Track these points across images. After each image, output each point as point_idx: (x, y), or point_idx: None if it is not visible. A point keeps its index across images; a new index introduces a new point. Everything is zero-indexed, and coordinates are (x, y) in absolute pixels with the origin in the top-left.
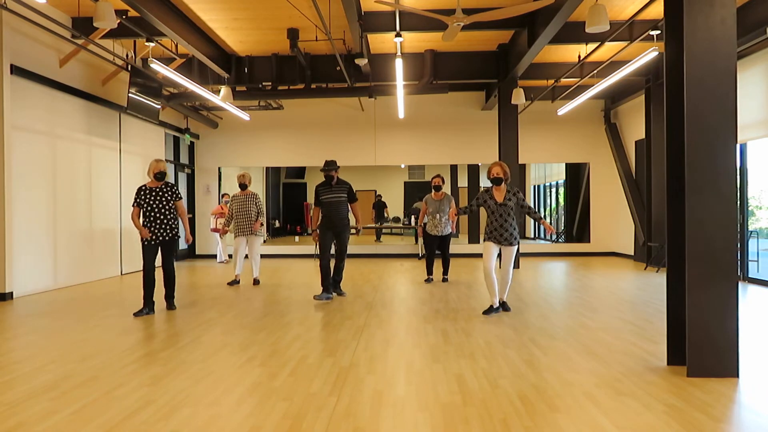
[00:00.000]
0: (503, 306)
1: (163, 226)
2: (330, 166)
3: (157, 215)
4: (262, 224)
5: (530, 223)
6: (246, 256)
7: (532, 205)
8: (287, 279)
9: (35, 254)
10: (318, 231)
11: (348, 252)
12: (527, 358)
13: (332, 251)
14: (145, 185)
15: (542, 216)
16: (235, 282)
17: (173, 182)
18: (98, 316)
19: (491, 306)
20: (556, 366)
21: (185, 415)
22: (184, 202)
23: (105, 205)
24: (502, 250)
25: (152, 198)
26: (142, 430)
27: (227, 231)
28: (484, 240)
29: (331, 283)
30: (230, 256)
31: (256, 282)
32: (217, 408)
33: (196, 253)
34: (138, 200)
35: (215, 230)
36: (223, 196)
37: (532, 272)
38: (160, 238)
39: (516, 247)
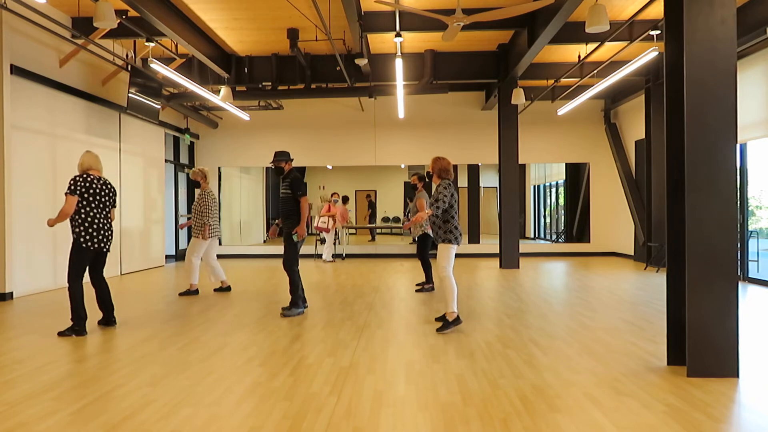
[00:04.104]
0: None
1: (110, 233)
2: (277, 158)
3: (104, 218)
4: (203, 226)
5: (530, 222)
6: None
7: (438, 205)
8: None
9: (35, 254)
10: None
11: (348, 252)
12: (527, 358)
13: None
14: (88, 173)
15: (431, 214)
16: (221, 289)
17: (175, 183)
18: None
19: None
20: (556, 366)
21: (185, 415)
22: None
23: None
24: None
25: (99, 190)
26: (142, 430)
27: (329, 230)
28: None
29: (299, 296)
30: (334, 256)
31: (184, 292)
32: (217, 408)
33: None
34: (79, 190)
35: (320, 229)
36: (332, 195)
37: (532, 272)
38: (105, 248)
39: (439, 245)
